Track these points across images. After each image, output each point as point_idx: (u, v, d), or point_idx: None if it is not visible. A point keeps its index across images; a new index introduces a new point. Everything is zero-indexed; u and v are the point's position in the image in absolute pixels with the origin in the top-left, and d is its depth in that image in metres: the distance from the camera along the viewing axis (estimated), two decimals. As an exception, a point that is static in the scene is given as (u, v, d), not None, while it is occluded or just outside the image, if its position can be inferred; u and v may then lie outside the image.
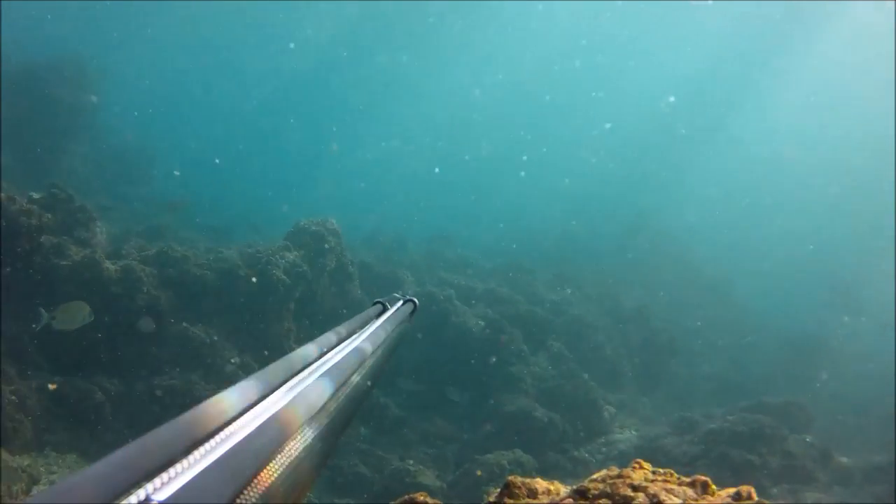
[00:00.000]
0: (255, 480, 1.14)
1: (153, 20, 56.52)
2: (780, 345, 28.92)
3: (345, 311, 17.94)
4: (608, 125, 61.78)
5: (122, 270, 14.52)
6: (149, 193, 33.54)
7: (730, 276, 37.69)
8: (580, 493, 2.99)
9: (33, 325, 12.33)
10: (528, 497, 3.28)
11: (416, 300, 3.04)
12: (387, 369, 2.41)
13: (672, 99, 59.54)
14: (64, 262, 14.08)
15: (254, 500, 1.11)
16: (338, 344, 2.09)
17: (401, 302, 2.97)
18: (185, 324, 14.83)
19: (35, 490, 10.59)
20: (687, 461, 15.89)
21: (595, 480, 3.10)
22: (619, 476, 3.06)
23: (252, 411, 1.44)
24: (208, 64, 63.64)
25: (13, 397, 11.85)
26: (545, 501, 3.16)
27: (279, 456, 1.27)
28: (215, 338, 14.94)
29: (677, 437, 18.18)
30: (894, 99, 46.35)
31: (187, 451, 1.14)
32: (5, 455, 10.75)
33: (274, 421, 1.31)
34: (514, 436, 16.29)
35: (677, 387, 24.76)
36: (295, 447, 1.35)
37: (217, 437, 1.25)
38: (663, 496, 2.82)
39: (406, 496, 3.21)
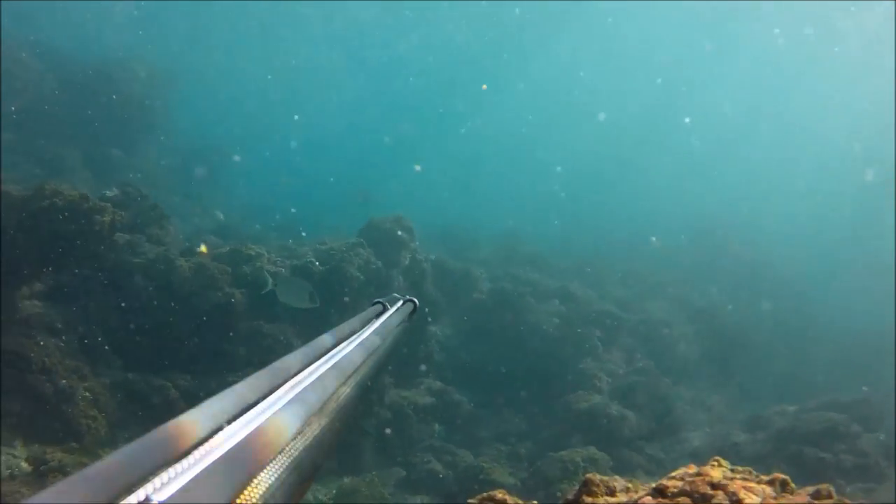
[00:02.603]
0: (256, 480, 1.15)
1: (223, 20, 57.03)
2: (852, 341, 28.39)
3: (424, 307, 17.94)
4: (687, 119, 60.78)
5: (195, 268, 14.67)
6: (220, 192, 33.87)
7: (801, 272, 37.10)
8: (659, 492, 2.97)
9: (261, 291, 12.66)
10: (607, 495, 3.26)
11: (415, 300, 3.02)
12: (387, 368, 2.42)
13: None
14: (137, 260, 14.30)
15: (254, 500, 1.12)
16: (338, 343, 2.09)
17: (400, 302, 2.96)
18: (259, 321, 14.89)
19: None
20: (759, 459, 15.71)
21: (674, 478, 3.08)
22: (699, 474, 3.04)
23: (252, 411, 1.44)
24: (278, 65, 64.01)
25: (87, 394, 12.01)
26: (624, 500, 3.14)
27: (279, 456, 1.29)
28: (289, 335, 14.95)
29: (749, 435, 18.04)
30: (894, 98, 45.44)
31: (187, 452, 1.14)
32: (79, 451, 10.94)
33: (274, 421, 1.30)
34: (588, 432, 16.19)
35: (749, 383, 24.43)
36: (295, 447, 1.37)
37: (217, 437, 1.26)
38: (742, 494, 2.79)
39: (485, 493, 3.20)
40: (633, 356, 21.26)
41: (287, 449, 1.33)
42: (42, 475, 10.09)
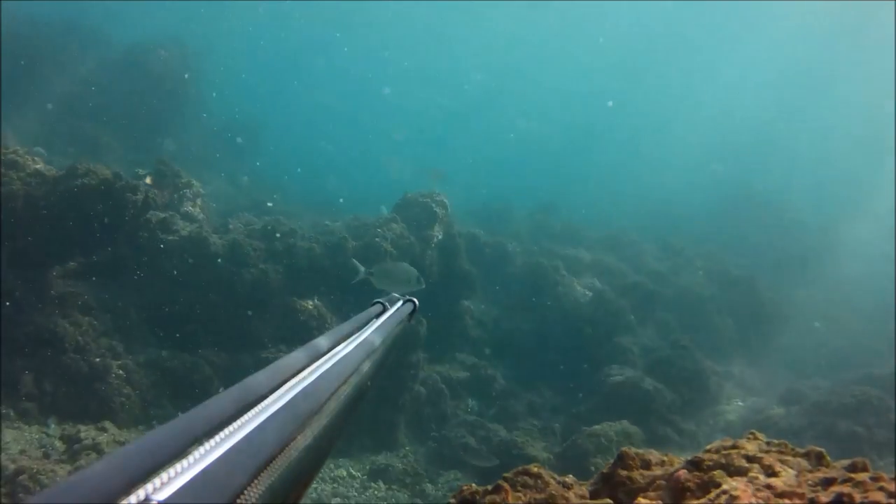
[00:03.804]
0: (256, 480, 1.15)
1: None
2: (889, 315, 28.19)
3: (444, 282, 18.01)
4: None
5: (229, 245, 14.77)
6: (254, 170, 34.00)
7: (839, 246, 36.79)
8: (694, 464, 2.96)
9: (352, 281, 12.77)
10: (642, 468, 3.25)
11: (415, 301, 3.01)
12: (387, 367, 2.42)
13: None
14: (171, 238, 14.34)
15: (254, 499, 1.11)
16: (338, 343, 2.08)
17: (400, 302, 2.96)
18: (293, 297, 14.94)
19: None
20: (793, 432, 15.70)
21: (710, 451, 3.07)
22: (734, 447, 3.02)
23: (252, 410, 1.42)
24: (311, 41, 63.98)
25: (121, 371, 12.13)
26: (659, 473, 3.13)
27: (279, 456, 1.28)
28: (323, 311, 14.96)
29: (784, 409, 17.99)
30: (894, 97, 44.91)
31: (187, 451, 1.13)
32: (113, 429, 11.05)
33: (274, 420, 1.31)
34: (621, 407, 16.11)
35: (785, 357, 24.31)
36: (295, 447, 1.36)
37: (217, 437, 1.23)
38: (778, 468, 2.77)
39: (520, 467, 3.20)
40: (668, 329, 21.21)
41: (287, 448, 1.32)
42: (76, 454, 10.18)
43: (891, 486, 2.35)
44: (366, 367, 2.00)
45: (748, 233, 34.36)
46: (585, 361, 18.35)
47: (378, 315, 2.60)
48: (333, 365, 1.81)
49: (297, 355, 1.78)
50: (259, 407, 1.44)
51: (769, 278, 28.49)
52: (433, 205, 18.08)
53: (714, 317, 24.19)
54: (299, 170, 37.92)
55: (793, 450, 3.00)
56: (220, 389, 1.33)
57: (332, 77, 65.37)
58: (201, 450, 1.15)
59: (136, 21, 38.00)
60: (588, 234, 31.15)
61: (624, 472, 3.22)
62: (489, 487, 3.04)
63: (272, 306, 14.73)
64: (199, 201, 16.61)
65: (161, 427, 1.11)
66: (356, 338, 2.17)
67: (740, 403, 19.16)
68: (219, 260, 14.45)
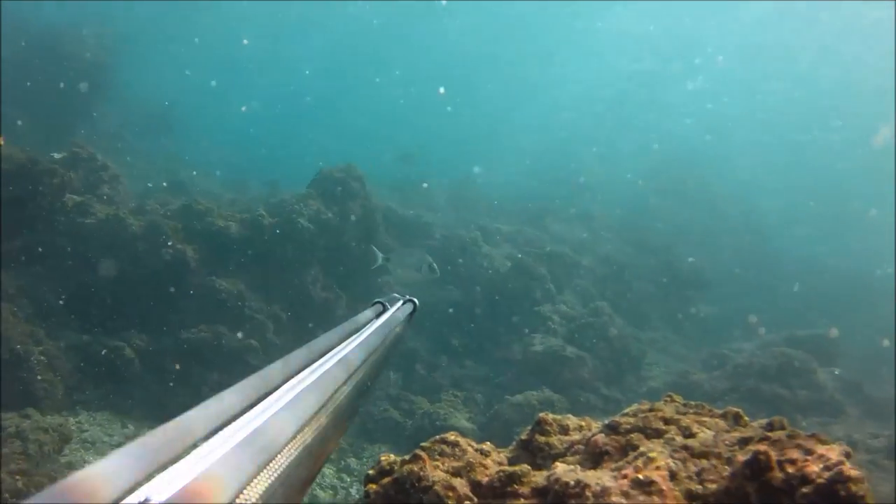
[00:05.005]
0: (256, 480, 1.14)
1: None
2: (812, 280, 28.84)
3: (363, 257, 18.07)
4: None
5: (146, 226, 14.62)
6: (172, 150, 33.62)
7: (758, 212, 37.54)
8: (612, 428, 2.99)
9: (372, 266, 12.66)
10: (560, 434, 3.28)
11: (415, 300, 3.02)
12: (388, 366, 2.42)
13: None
14: (88, 221, 14.18)
15: (254, 500, 1.11)
16: (338, 344, 2.09)
17: (401, 302, 2.96)
18: (211, 276, 14.86)
19: (66, 449, 10.74)
20: (717, 396, 16.00)
21: (627, 415, 3.10)
22: (651, 410, 3.06)
23: (253, 411, 1.43)
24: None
25: (42, 357, 11.96)
26: (577, 438, 3.16)
27: (279, 456, 1.27)
28: (242, 289, 14.94)
29: (707, 373, 18.28)
30: (894, 96, 45.96)
31: (187, 452, 1.13)
32: (36, 415, 10.87)
33: (274, 421, 1.30)
34: (544, 375, 16.33)
35: (708, 323, 24.75)
36: (295, 447, 1.35)
37: (217, 438, 1.25)
38: (696, 428, 2.81)
39: (438, 436, 3.21)
40: (588, 297, 21.40)
41: (287, 449, 1.31)
42: (-1, 442, 10.04)
43: (807, 444, 2.39)
44: (366, 367, 2.01)
45: (672, 200, 34.75)
46: (507, 331, 18.51)
47: (378, 315, 2.60)
48: (334, 365, 1.81)
49: (298, 355, 1.80)
50: (259, 407, 1.46)
51: (690, 245, 28.84)
52: (350, 179, 18.08)
53: (634, 284, 24.50)
54: (221, 148, 37.65)
55: (710, 411, 3.05)
56: (213, 390, 1.31)
57: (261, 61, 64.86)
58: (201, 450, 1.18)
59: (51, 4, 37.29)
60: (507, 205, 31.33)
61: (542, 438, 3.25)
62: (407, 457, 3.05)
63: (191, 286, 14.67)
64: (116, 183, 16.39)
65: (161, 427, 1.11)
66: (356, 338, 2.19)
67: (663, 369, 19.47)
68: (137, 242, 14.28)
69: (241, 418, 1.37)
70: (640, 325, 22.13)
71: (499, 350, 18.04)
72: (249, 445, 1.16)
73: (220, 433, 1.27)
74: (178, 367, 13.40)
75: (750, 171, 48.02)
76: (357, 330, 2.27)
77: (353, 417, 1.86)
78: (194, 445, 1.16)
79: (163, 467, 1.04)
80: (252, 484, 1.12)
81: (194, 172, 28.66)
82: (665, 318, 24.37)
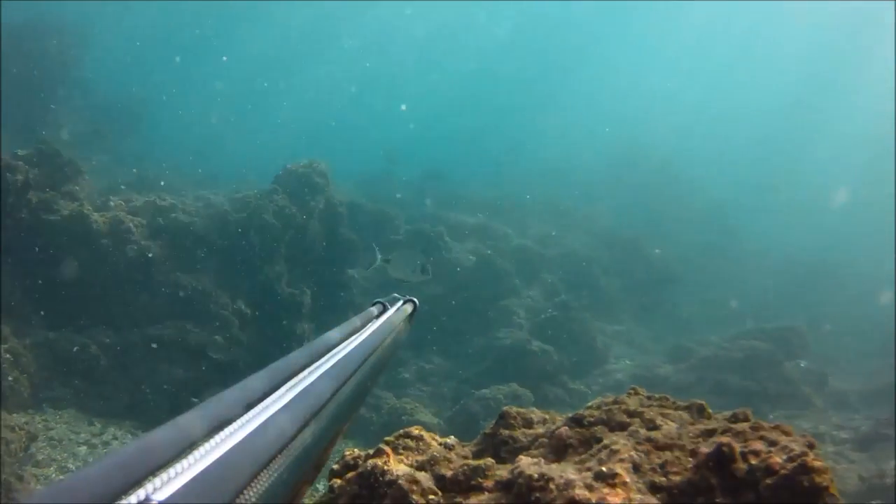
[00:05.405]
0: (255, 480, 1.13)
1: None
2: (779, 271, 29.02)
3: (329, 251, 18.12)
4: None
5: (110, 222, 14.58)
6: (138, 146, 33.39)
7: (725, 205, 37.75)
8: (576, 421, 3.00)
9: (368, 267, 12.62)
10: (524, 427, 3.29)
11: (416, 300, 3.03)
12: (388, 366, 2.43)
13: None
14: (53, 217, 14.10)
15: (253, 499, 1.10)
16: (338, 344, 2.09)
17: (401, 302, 2.97)
18: (176, 272, 14.82)
19: (33, 447, 10.67)
20: (683, 389, 16.04)
21: (591, 408, 3.12)
22: (615, 402, 3.08)
23: (253, 411, 1.42)
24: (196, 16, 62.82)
25: (8, 355, 11.89)
26: (541, 431, 3.16)
27: (279, 456, 1.26)
28: (207, 285, 14.95)
29: (673, 366, 18.36)
30: (894, 96, 46.41)
31: (187, 451, 1.13)
32: (2, 413, 10.78)
33: (274, 420, 1.31)
34: (510, 369, 16.38)
35: (675, 316, 24.82)
36: (295, 447, 1.34)
37: (218, 437, 1.22)
38: (659, 421, 2.81)
39: (402, 430, 3.22)
40: (554, 291, 21.45)
41: (287, 449, 1.30)
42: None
43: (771, 435, 2.40)
44: (366, 367, 2.01)
45: (637, 193, 34.79)
46: (472, 327, 18.54)
47: (378, 315, 2.59)
48: (333, 365, 1.81)
49: (297, 355, 1.78)
50: (259, 407, 1.44)
51: (657, 238, 28.90)
52: (314, 175, 18.14)
53: (601, 277, 24.59)
54: (185, 146, 37.46)
55: (674, 403, 3.07)
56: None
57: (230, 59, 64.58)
58: (201, 450, 1.16)
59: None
60: (473, 199, 31.24)
61: (506, 432, 3.27)
62: (370, 451, 3.05)
63: (157, 282, 14.65)
64: (80, 180, 16.29)
65: (161, 427, 1.10)
66: (356, 338, 2.19)
67: (629, 362, 19.53)
68: (101, 238, 14.22)
69: (242, 418, 1.36)
70: (606, 319, 22.20)
71: (465, 345, 18.06)
72: (250, 445, 1.17)
73: (221, 433, 1.25)
74: (154, 346, 13.42)
75: (715, 163, 48.23)
76: (357, 330, 2.27)
77: (352, 418, 1.86)
78: (194, 445, 1.16)
79: (163, 467, 1.03)
80: (252, 484, 1.12)
81: (165, 169, 28.43)
82: (631, 311, 24.45)
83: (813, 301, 25.60)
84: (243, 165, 32.70)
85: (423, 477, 2.81)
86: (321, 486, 12.45)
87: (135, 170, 26.89)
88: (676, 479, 2.35)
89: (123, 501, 0.91)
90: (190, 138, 39.73)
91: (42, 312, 13.37)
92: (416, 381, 16.90)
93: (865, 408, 16.41)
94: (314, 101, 62.82)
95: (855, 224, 37.26)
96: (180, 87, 51.07)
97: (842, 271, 30.00)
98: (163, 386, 13.21)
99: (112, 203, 16.28)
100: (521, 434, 3.21)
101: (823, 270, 29.95)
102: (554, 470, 2.46)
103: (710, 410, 2.93)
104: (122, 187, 21.21)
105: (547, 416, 3.37)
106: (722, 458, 2.28)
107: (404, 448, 3.09)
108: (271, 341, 15.10)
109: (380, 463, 2.91)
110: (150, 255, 14.60)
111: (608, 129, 48.72)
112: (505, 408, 3.39)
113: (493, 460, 2.87)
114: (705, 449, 2.38)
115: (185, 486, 0.98)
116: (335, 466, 3.15)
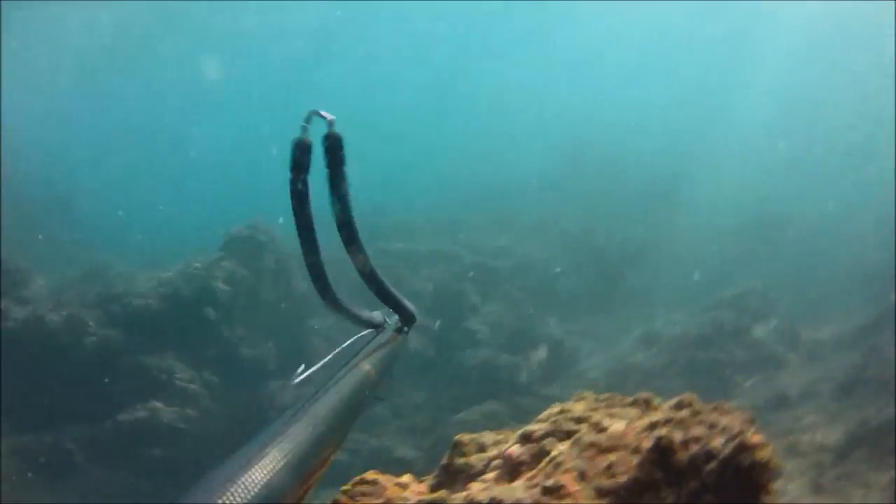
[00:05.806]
0: (256, 479, 1.22)
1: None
2: (735, 234, 29.11)
3: (285, 306, 18.16)
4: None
5: (66, 320, 14.61)
6: (79, 235, 33.09)
7: (666, 181, 37.73)
8: (525, 437, 3.04)
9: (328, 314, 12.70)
10: (478, 452, 3.32)
11: (414, 311, 3.12)
12: (389, 377, 2.53)
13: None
14: (8, 324, 14.14)
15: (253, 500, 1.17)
16: (341, 358, 2.17)
17: (396, 318, 3.05)
18: (139, 355, 14.79)
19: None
20: (657, 373, 16.06)
21: (540, 420, 3.16)
22: (561, 412, 3.12)
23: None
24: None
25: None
26: (495, 453, 3.20)
27: (280, 457, 1.36)
28: (171, 361, 14.96)
29: (644, 352, 18.40)
30: (894, 96, 47.02)
31: None
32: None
33: (279, 428, 1.46)
34: (482, 388, 16.39)
35: (639, 301, 24.75)
36: (296, 450, 1.46)
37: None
38: (606, 422, 2.85)
39: (357, 477, 3.25)
40: (514, 301, 21.44)
41: (289, 452, 1.42)
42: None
43: (710, 418, 2.44)
44: (368, 379, 2.18)
45: (581, 187, 34.75)
46: (440, 352, 18.50)
47: (381, 328, 2.99)
48: (336, 378, 2.04)
49: (304, 371, 2.03)
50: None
51: (608, 226, 28.91)
52: (259, 234, 18.19)
53: (559, 277, 24.64)
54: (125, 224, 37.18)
55: (622, 400, 3.11)
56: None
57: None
58: None
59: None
60: (420, 225, 31.17)
61: (461, 460, 3.29)
62: (328, 503, 3.08)
63: (121, 368, 14.63)
64: (29, 282, 16.26)
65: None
66: (359, 351, 2.29)
67: (601, 357, 19.54)
68: (59, 336, 14.27)
69: None
70: (571, 318, 22.18)
71: (435, 372, 18.01)
72: (256, 448, 1.31)
73: None
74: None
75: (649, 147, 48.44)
76: (359, 344, 2.37)
77: (354, 426, 2.12)
78: None
79: None
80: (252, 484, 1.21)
81: (110, 257, 28.18)
82: (595, 306, 24.35)
83: (769, 255, 25.67)
84: (189, 235, 32.51)
85: (380, 521, 2.85)
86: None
87: (82, 261, 26.70)
88: (623, 479, 2.39)
89: None
90: (129, 218, 39.41)
91: (13, 417, 13.24)
92: (391, 417, 16.79)
93: (839, 353, 16.28)
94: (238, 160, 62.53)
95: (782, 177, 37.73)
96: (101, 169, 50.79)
97: (785, 222, 30.08)
98: (141, 468, 13.17)
99: (64, 299, 16.26)
100: (476, 459, 3.23)
101: (771, 223, 29.97)
102: (504, 492, 2.50)
103: (655, 402, 2.97)
104: (73, 281, 21.08)
105: (500, 437, 3.39)
106: (662, 451, 2.32)
107: (361, 494, 3.11)
108: (244, 406, 15.06)
109: (338, 514, 2.95)
110: (109, 342, 14.69)
111: (542, 141, 48.77)
112: (457, 436, 3.42)
113: (446, 492, 2.91)
114: (647, 444, 2.43)
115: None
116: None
